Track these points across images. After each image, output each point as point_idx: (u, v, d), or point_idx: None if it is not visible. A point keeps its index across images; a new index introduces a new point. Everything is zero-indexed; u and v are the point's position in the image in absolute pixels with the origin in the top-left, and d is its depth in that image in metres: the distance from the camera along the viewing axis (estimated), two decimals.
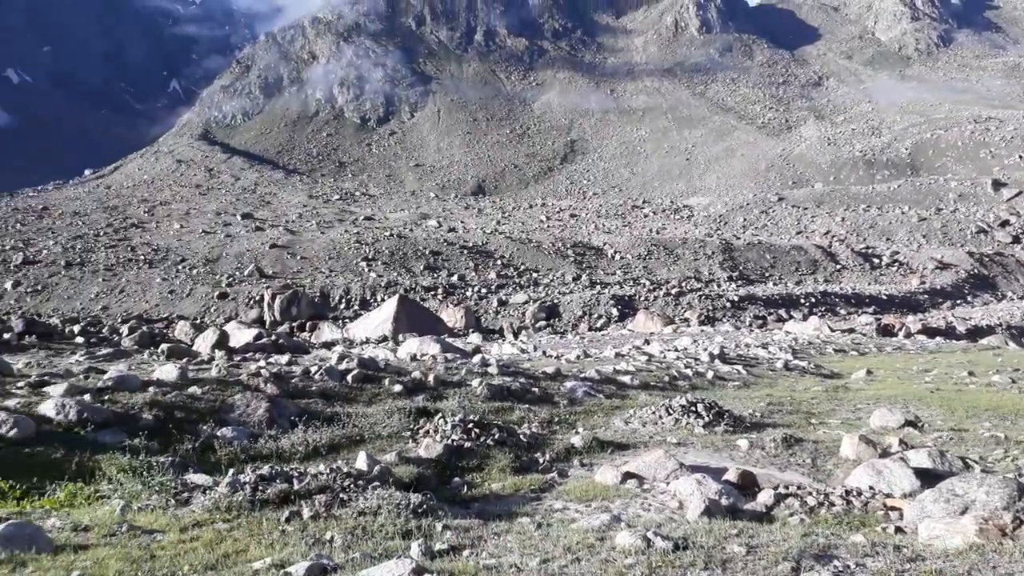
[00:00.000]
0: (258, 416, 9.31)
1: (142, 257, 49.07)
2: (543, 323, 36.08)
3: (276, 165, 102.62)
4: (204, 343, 17.64)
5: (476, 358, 15.53)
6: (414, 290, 42.64)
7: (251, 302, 40.13)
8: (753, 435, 9.86)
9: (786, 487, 7.21)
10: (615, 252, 52.09)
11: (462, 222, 66.95)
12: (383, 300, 41.18)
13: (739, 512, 6.42)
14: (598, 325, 34.84)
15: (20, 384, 9.74)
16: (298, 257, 49.18)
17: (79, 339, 20.20)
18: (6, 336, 18.42)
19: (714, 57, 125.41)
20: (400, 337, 24.01)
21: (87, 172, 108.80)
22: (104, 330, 24.76)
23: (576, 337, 28.11)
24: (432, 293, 42.97)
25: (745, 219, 69.28)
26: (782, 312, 38.43)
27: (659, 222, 68.28)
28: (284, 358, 14.73)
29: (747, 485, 7.36)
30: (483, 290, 43.39)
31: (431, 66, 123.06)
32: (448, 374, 13.12)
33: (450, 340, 20.66)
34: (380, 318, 26.92)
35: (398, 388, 11.56)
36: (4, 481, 6.69)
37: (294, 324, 32.19)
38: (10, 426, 7.73)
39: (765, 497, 6.94)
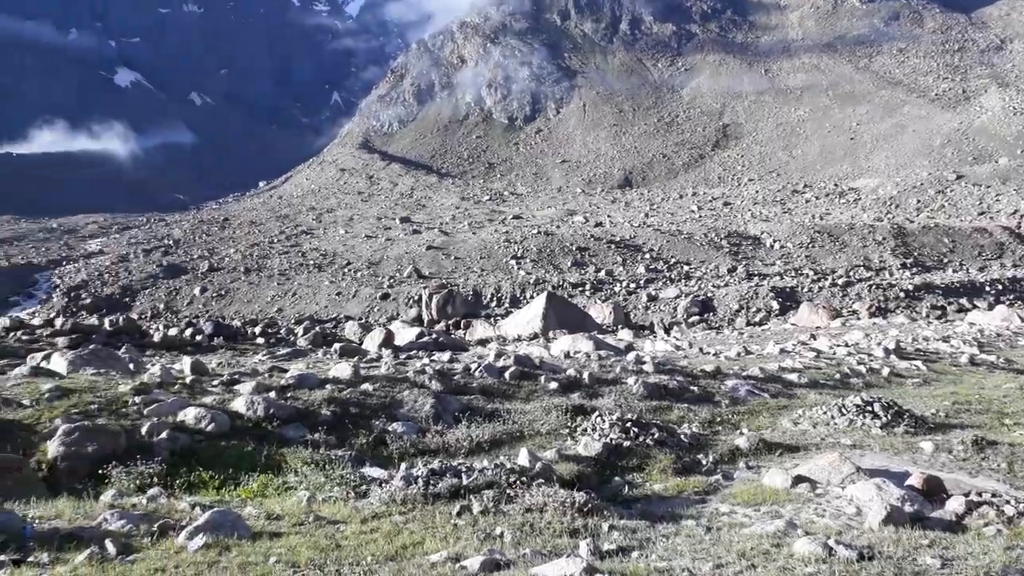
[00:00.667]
0: (425, 411, 9.70)
1: (312, 262, 52.55)
2: (696, 318, 35.12)
3: (430, 169, 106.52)
4: (372, 342, 18.64)
5: (630, 355, 15.40)
6: (562, 287, 42.87)
7: (410, 302, 41.96)
8: (938, 437, 9.14)
9: (979, 494, 6.64)
10: (774, 241, 49.80)
11: (609, 216, 66.47)
12: (532, 297, 41.72)
13: (925, 520, 6.00)
14: (756, 319, 33.45)
15: (215, 383, 10.65)
16: (452, 258, 50.82)
17: (260, 340, 22.00)
18: (198, 338, 20.39)
19: (879, 27, 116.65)
20: (551, 334, 24.26)
21: (261, 184, 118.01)
22: (281, 331, 26.77)
23: (734, 333, 27.16)
24: (580, 289, 43.01)
25: (919, 201, 64.06)
26: (964, 301, 35.21)
27: (822, 207, 64.53)
28: (445, 355, 15.37)
29: (933, 491, 6.84)
30: (632, 285, 42.88)
31: (576, 60, 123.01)
32: (603, 372, 13.10)
33: (602, 337, 20.62)
34: (529, 315, 27.29)
35: (554, 385, 11.71)
36: (204, 472, 7.31)
37: (450, 322, 33.29)
38: (208, 421, 8.46)
39: (955, 505, 6.42)
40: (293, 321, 35.57)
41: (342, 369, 11.50)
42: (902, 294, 36.28)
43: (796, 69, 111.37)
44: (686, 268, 45.88)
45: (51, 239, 70.81)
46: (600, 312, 31.50)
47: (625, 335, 25.33)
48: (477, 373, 12.07)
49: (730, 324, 33.89)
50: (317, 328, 26.05)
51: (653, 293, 40.23)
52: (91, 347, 13.73)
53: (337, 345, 17.68)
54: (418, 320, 34.16)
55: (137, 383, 9.63)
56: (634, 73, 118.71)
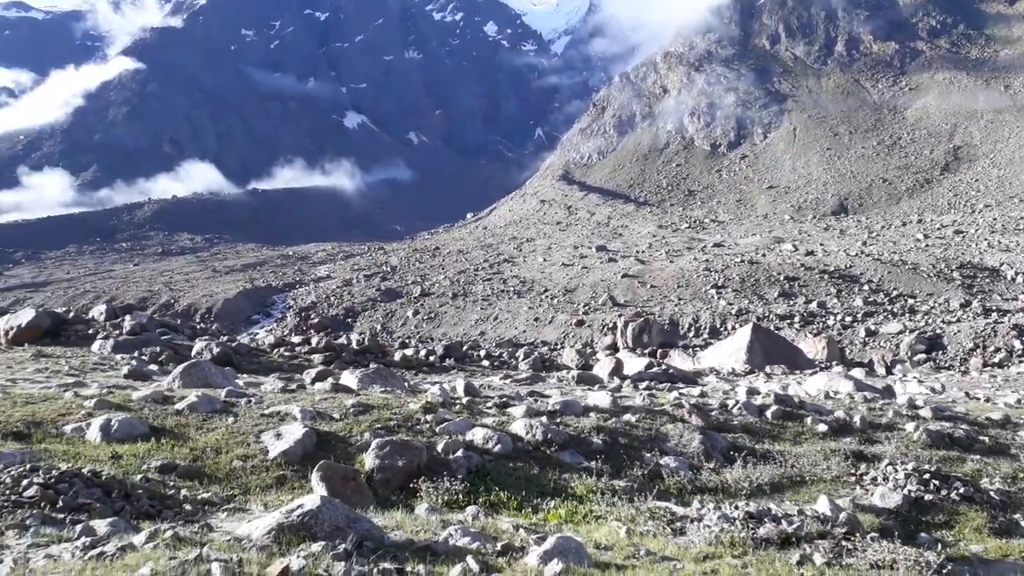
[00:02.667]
0: (693, 447, 9.61)
1: (512, 289, 54.31)
2: (922, 356, 31.89)
3: (627, 198, 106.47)
4: (602, 370, 18.76)
5: (901, 399, 14.41)
6: (767, 318, 40.81)
7: (604, 329, 41.98)
8: None
9: None
10: (1016, 274, 44.19)
11: (821, 244, 62.41)
12: (733, 329, 40.11)
13: None
14: (995, 360, 29.74)
15: (489, 404, 11.10)
16: (648, 286, 50.22)
17: (484, 362, 23.36)
18: (431, 358, 22.02)
19: None
20: (768, 368, 23.16)
21: (468, 215, 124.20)
22: (503, 355, 27.94)
23: (982, 375, 24.15)
24: (787, 321, 40.70)
25: None
26: None
27: None
28: (695, 390, 15.35)
29: None
30: (847, 318, 39.86)
31: (786, 84, 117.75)
32: (873, 415, 12.32)
33: (860, 376, 19.22)
34: (732, 347, 26.19)
35: (822, 428, 11.16)
36: (503, 492, 7.49)
37: (645, 351, 32.83)
38: (495, 442, 8.79)
39: None
40: (494, 344, 36.89)
41: (600, 398, 11.77)
42: None
43: None
44: (910, 301, 41.88)
45: (287, 265, 79.06)
46: (812, 347, 29.55)
47: (857, 374, 23.35)
48: (735, 410, 11.81)
49: (962, 364, 30.44)
50: (536, 353, 27.00)
51: (872, 328, 37.11)
52: (373, 367, 15.09)
53: (575, 372, 18.04)
54: (612, 348, 34.04)
55: (423, 402, 10.26)
56: (851, 95, 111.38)
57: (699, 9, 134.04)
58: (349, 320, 52.50)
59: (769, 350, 25.12)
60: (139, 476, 6.52)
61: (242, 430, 8.28)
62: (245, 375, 16.39)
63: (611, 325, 41.19)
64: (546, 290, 52.57)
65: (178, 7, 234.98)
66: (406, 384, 13.26)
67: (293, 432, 7.95)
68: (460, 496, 7.18)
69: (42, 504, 5.58)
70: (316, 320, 52.03)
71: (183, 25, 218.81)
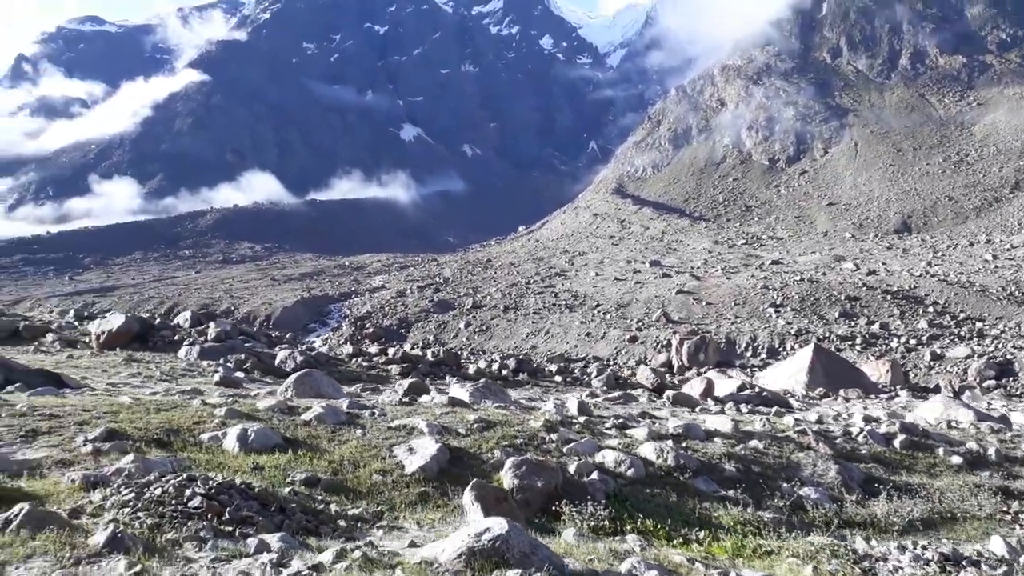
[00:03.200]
0: (830, 478, 9.37)
1: (564, 302, 54.16)
2: (991, 382, 30.68)
3: (682, 213, 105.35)
4: (693, 390, 18.45)
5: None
6: (827, 339, 39.80)
7: (658, 346, 41.49)
8: None
9: None
10: None
11: (884, 264, 60.69)
12: (792, 349, 39.22)
13: None
14: None
15: (607, 425, 10.93)
16: (703, 303, 49.49)
17: (557, 377, 23.50)
18: (503, 372, 22.25)
19: None
20: (842, 392, 22.60)
21: (520, 228, 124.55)
22: (575, 370, 27.87)
23: None
24: (849, 343, 39.61)
25: None
26: None
27: None
28: (810, 415, 15.05)
29: None
30: (912, 341, 38.60)
31: (848, 98, 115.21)
32: (1006, 447, 11.91)
33: (976, 405, 18.41)
34: (793, 368, 25.60)
35: (956, 460, 10.78)
36: (648, 520, 7.19)
37: (701, 370, 32.33)
38: (628, 466, 8.56)
39: None
40: (546, 359, 36.78)
41: (720, 422, 11.57)
42: None
43: None
44: (979, 325, 40.35)
45: (343, 274, 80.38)
46: (875, 370, 28.70)
47: (942, 399, 22.30)
48: (860, 438, 11.45)
49: None
50: (608, 370, 26.80)
51: (938, 351, 35.86)
52: (482, 381, 15.14)
53: (670, 393, 17.74)
54: (667, 366, 33.62)
55: (543, 420, 10.15)
56: (915, 110, 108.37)
57: (758, 22, 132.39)
58: (402, 330, 53.03)
59: (831, 372, 24.46)
60: (287, 489, 6.55)
61: (373, 443, 8.30)
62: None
63: (665, 342, 40.69)
64: (598, 305, 52.26)
65: (243, 21, 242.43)
66: (511, 397, 13.11)
67: (426, 447, 7.95)
68: (606, 522, 6.93)
69: (208, 516, 5.60)
70: (371, 330, 52.70)
71: (247, 38, 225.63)
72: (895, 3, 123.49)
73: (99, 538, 4.91)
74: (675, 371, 30.16)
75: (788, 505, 8.26)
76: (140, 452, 7.18)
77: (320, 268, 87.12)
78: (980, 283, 47.14)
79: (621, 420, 11.30)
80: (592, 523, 6.86)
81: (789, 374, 25.38)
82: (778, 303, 47.13)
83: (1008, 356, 33.35)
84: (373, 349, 25.02)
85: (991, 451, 11.09)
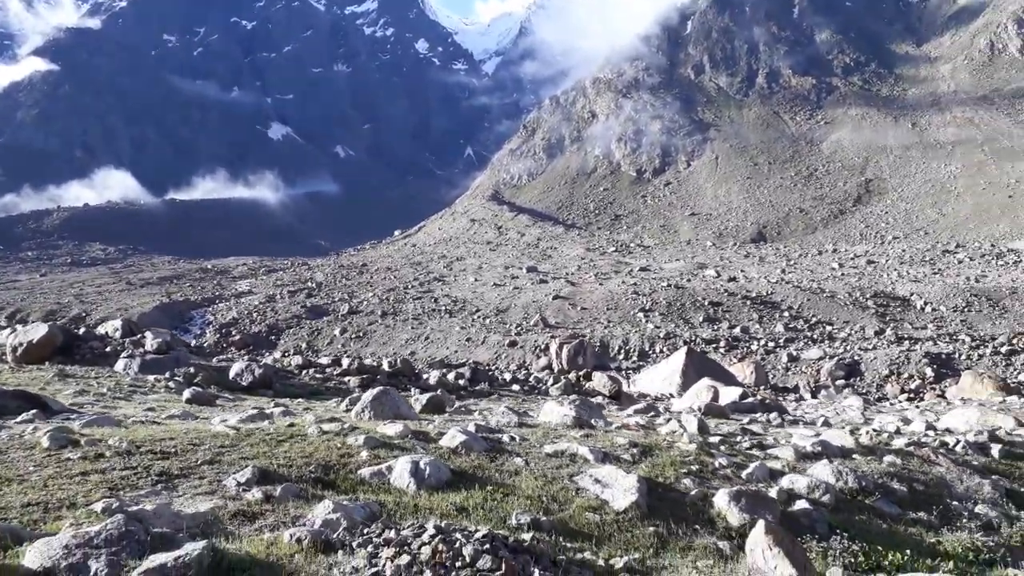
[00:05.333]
0: (986, 494, 9.17)
1: (443, 308, 53.91)
2: (841, 382, 33.18)
3: (556, 221, 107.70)
4: (697, 399, 17.82)
5: None
6: (693, 342, 41.72)
7: (537, 350, 42.08)
8: None
9: None
10: (925, 303, 46.62)
11: (743, 271, 64.48)
12: (662, 352, 40.87)
13: None
14: (911, 387, 31.18)
15: (745, 446, 10.32)
16: (578, 308, 50.71)
17: (514, 387, 23.16)
18: (461, 382, 21.71)
19: None
20: (842, 398, 23.45)
21: (397, 232, 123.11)
22: (530, 378, 27.45)
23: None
24: (713, 346, 41.70)
25: None
26: None
27: (977, 269, 59.95)
28: (889, 423, 14.62)
29: None
30: (770, 343, 41.15)
31: (709, 113, 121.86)
32: None
33: (1006, 409, 18.42)
34: (667, 371, 26.60)
35: None
36: (895, 552, 6.61)
37: (580, 374, 33.03)
38: (822, 491, 7.99)
39: None
40: (427, 364, 36.43)
41: (839, 436, 11.01)
42: None
43: (947, 123, 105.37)
44: (829, 328, 43.59)
45: (205, 279, 76.41)
46: (741, 371, 30.33)
47: (856, 402, 23.31)
48: (959, 448, 11.24)
49: (878, 390, 31.79)
50: (564, 379, 26.18)
51: (794, 353, 38.41)
52: (574, 397, 13.62)
53: (699, 403, 16.86)
54: (548, 369, 34.13)
55: (697, 442, 9.56)
56: (770, 126, 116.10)
57: (628, 37, 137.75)
58: (272, 337, 51.01)
59: (703, 373, 25.58)
60: (527, 535, 5.72)
61: (548, 475, 7.58)
62: (290, 399, 15.77)
63: (543, 346, 41.31)
64: (478, 310, 52.40)
65: (96, 8, 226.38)
66: (588, 413, 12.10)
67: (615, 479, 7.28)
68: (861, 557, 6.40)
69: None
70: (238, 337, 50.36)
71: (101, 27, 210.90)
72: (753, 25, 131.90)
73: None
74: (555, 374, 30.64)
75: (980, 526, 8.00)
76: (311, 497, 6.29)
77: (180, 272, 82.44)
78: (829, 289, 50.94)
79: (758, 439, 10.77)
80: (848, 559, 6.37)
81: (664, 376, 26.34)
82: (647, 308, 48.98)
83: (855, 357, 36.18)
84: (324, 360, 23.92)
85: None
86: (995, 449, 11.16)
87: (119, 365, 18.17)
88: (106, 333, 22.54)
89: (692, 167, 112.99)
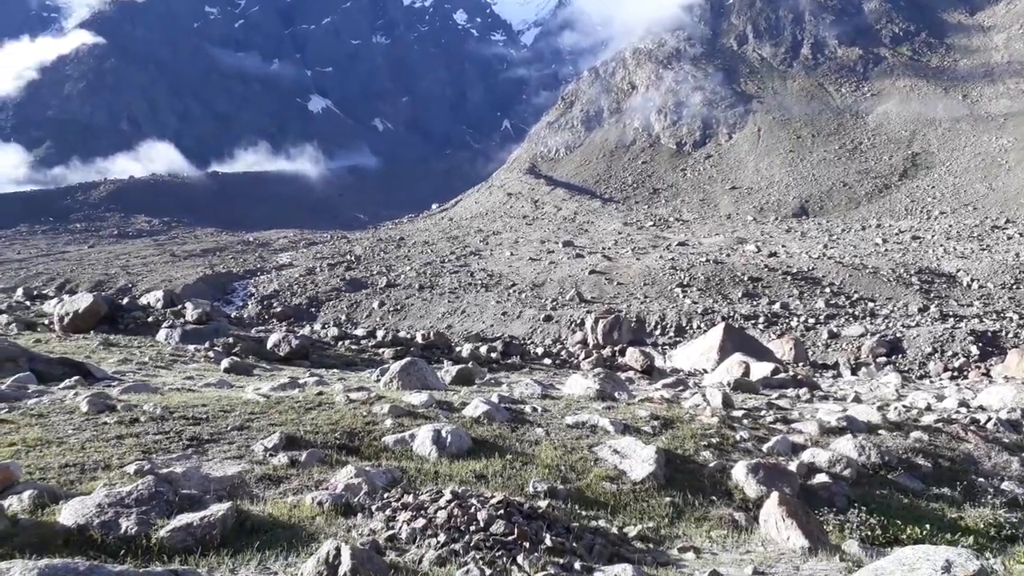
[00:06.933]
0: (1015, 470, 9.21)
1: (479, 282, 54.07)
2: (883, 359, 32.56)
3: (594, 194, 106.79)
4: (729, 374, 17.62)
5: None
6: (732, 318, 41.25)
7: (572, 325, 42.02)
8: None
9: None
10: (972, 280, 45.39)
11: (783, 246, 63.40)
12: (699, 327, 40.49)
13: None
14: (955, 365, 30.48)
15: (769, 420, 10.24)
16: (614, 283, 50.42)
17: (546, 360, 23.40)
18: (493, 355, 22.03)
19: None
20: (870, 374, 23.24)
21: (434, 206, 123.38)
22: (563, 353, 27.75)
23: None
24: (752, 322, 41.19)
25: None
26: None
27: None
28: (920, 400, 14.50)
29: None
30: (810, 320, 40.51)
31: (752, 85, 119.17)
32: None
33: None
34: (704, 346, 26.38)
35: None
36: (913, 527, 6.59)
37: (615, 349, 32.93)
38: (844, 465, 8.05)
39: None
40: (463, 338, 36.64)
41: (867, 412, 11.01)
42: None
43: (999, 95, 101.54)
44: (871, 305, 42.73)
45: (247, 251, 77.62)
46: (780, 347, 29.93)
47: (1007, 387, 22.42)
48: (989, 426, 11.20)
49: (921, 368, 31.15)
50: (596, 354, 26.39)
51: (835, 330, 37.77)
52: (599, 370, 13.78)
53: (724, 377, 17.01)
54: (583, 343, 34.09)
55: (717, 416, 9.60)
56: (814, 98, 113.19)
57: (670, 6, 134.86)
58: (312, 309, 51.75)
59: (740, 350, 25.30)
60: (544, 503, 5.88)
61: (569, 445, 7.70)
62: (325, 369, 16.09)
63: (579, 321, 41.23)
64: (513, 284, 52.44)
65: None
66: (619, 390, 12.15)
67: (634, 450, 7.37)
68: (879, 531, 6.47)
69: (527, 546, 4.93)
70: (279, 309, 51.18)
71: (145, 0, 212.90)
72: None
73: None
74: (590, 348, 30.61)
75: (1005, 503, 7.97)
76: (336, 462, 6.47)
77: (223, 244, 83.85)
78: (872, 265, 49.86)
79: (784, 413, 10.78)
80: (865, 532, 6.45)
81: (700, 352, 26.14)
82: (685, 283, 48.51)
83: (898, 335, 35.44)
84: (360, 332, 24.44)
85: None
86: None
87: (161, 335, 18.64)
88: (148, 304, 23.09)
89: (733, 140, 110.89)
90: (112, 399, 8.28)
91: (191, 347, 17.31)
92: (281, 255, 73.90)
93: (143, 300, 24.05)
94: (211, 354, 16.19)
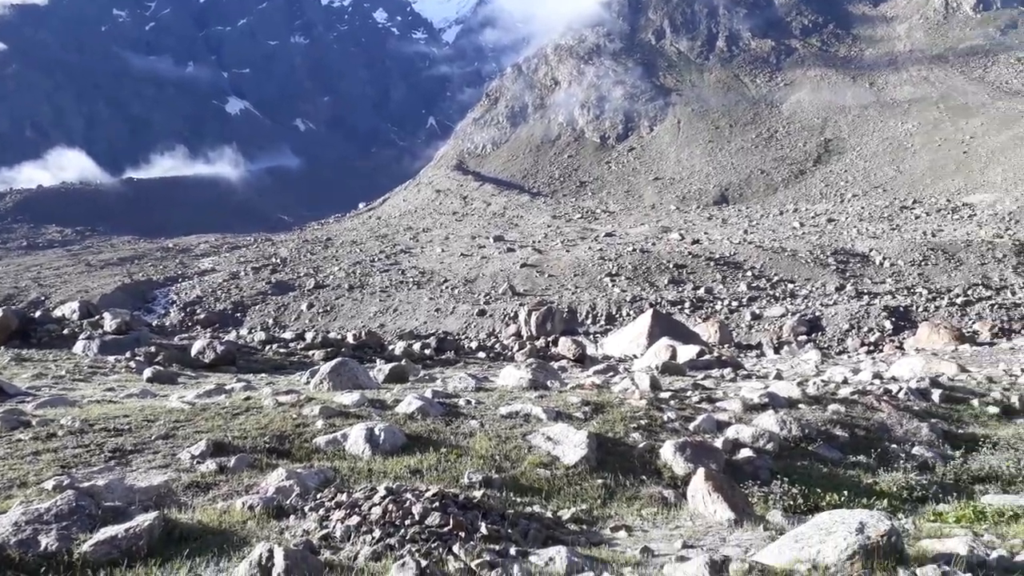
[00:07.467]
0: (924, 435, 9.53)
1: (411, 279, 53.71)
2: (804, 338, 33.84)
3: (522, 189, 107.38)
4: (656, 358, 18.08)
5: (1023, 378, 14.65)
6: (659, 304, 42.18)
7: (506, 318, 42.22)
8: None
9: None
10: (883, 259, 47.58)
11: (706, 233, 65.11)
12: (628, 315, 41.26)
13: None
14: (871, 340, 31.91)
15: (695, 400, 10.55)
16: (546, 275, 50.87)
17: (480, 354, 23.23)
18: (427, 352, 21.72)
19: (995, 36, 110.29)
20: (790, 352, 23.79)
21: (361, 205, 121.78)
22: (497, 346, 27.63)
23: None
24: (678, 307, 42.22)
25: None
26: None
27: (934, 224, 61.25)
28: (837, 374, 14.85)
29: None
30: (734, 303, 41.77)
31: (671, 78, 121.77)
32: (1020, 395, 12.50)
33: (947, 358, 19.03)
34: (633, 332, 26.90)
35: (993, 410, 11.25)
36: (829, 494, 6.78)
37: (548, 340, 33.23)
38: (766, 440, 8.37)
39: None
40: (396, 336, 36.37)
41: (787, 388, 11.38)
42: None
43: (903, 82, 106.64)
44: (790, 286, 44.33)
45: (167, 258, 75.07)
46: (705, 331, 30.78)
47: (814, 356, 23.73)
48: (901, 395, 11.63)
49: (839, 344, 32.50)
50: (529, 344, 26.55)
51: (757, 312, 39.05)
52: (532, 360, 13.85)
53: (652, 361, 17.22)
54: (517, 336, 34.30)
55: (647, 399, 9.73)
56: (731, 89, 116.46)
57: (589, 3, 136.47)
58: (238, 315, 50.45)
59: (668, 334, 25.92)
60: (479, 493, 5.92)
61: (503, 435, 7.75)
62: (253, 374, 15.65)
63: (512, 314, 41.45)
64: (446, 280, 52.31)
65: None
66: (551, 378, 12.21)
67: (567, 436, 7.47)
68: (800, 500, 6.69)
69: (457, 534, 4.95)
70: (203, 315, 49.70)
71: (47, 3, 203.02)
72: None
73: None
74: (524, 341, 30.83)
75: (916, 466, 8.32)
76: (266, 466, 6.28)
77: (141, 251, 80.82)
78: (790, 248, 51.70)
79: (708, 393, 11.10)
80: (788, 502, 6.67)
81: (630, 338, 26.64)
82: (614, 273, 49.32)
83: (816, 313, 36.90)
84: (288, 335, 23.81)
85: (1014, 399, 11.64)
86: (936, 394, 11.66)
87: (78, 347, 17.92)
88: (63, 315, 22.15)
89: (655, 132, 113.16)
90: (26, 415, 7.94)
91: (111, 358, 16.70)
92: (203, 260, 71.75)
93: (57, 312, 23.01)
94: (132, 364, 15.66)
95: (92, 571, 4.33)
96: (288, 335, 23.73)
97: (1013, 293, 39.40)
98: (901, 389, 11.84)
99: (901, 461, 8.41)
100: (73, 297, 55.17)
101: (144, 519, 4.66)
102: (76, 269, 69.37)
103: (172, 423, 7.60)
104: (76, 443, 6.76)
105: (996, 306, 35.66)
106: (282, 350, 20.38)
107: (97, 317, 21.49)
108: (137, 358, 16.56)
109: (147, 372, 13.85)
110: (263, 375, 15.95)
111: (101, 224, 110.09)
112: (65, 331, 19.77)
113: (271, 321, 47.83)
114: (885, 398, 10.93)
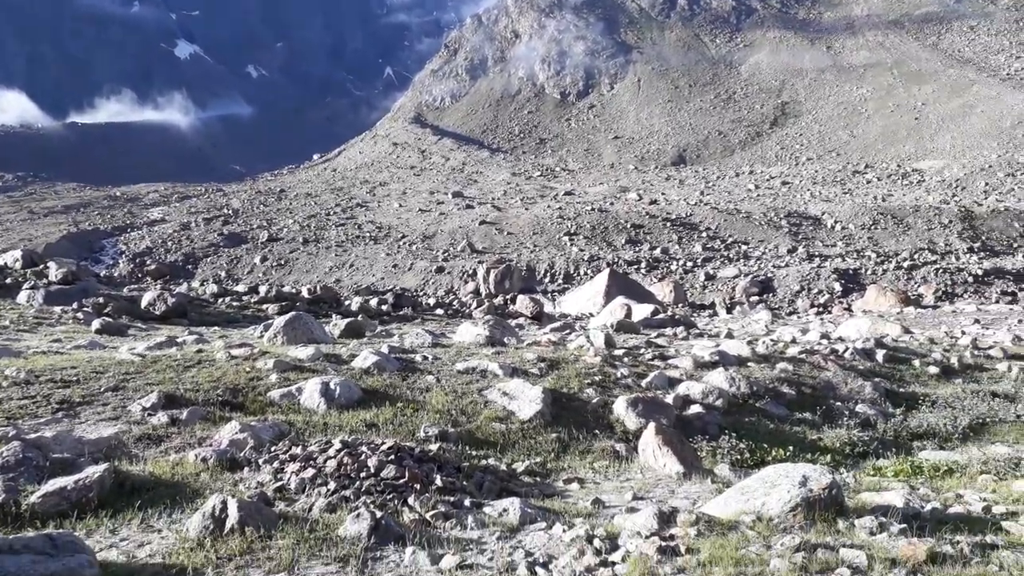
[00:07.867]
0: (867, 394, 9.77)
1: (368, 234, 53.12)
2: (755, 299, 34.53)
3: (481, 144, 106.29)
4: (612, 316, 18.15)
5: (963, 340, 15.13)
6: (616, 264, 42.54)
7: (464, 276, 42.15)
8: None
9: None
10: (835, 222, 48.57)
11: (663, 194, 65.54)
12: (586, 274, 41.55)
13: None
14: (821, 302, 32.72)
15: (649, 357, 10.71)
16: (505, 233, 50.78)
17: (438, 311, 23.04)
18: (384, 307, 21.44)
19: (948, 4, 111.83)
20: (745, 311, 24.06)
21: (315, 156, 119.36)
22: (455, 303, 27.64)
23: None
24: (635, 267, 42.63)
25: (988, 183, 61.62)
26: None
27: (884, 188, 62.58)
28: (786, 334, 15.17)
29: None
30: (689, 263, 42.33)
31: (632, 35, 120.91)
32: (959, 356, 12.91)
33: (892, 320, 19.44)
34: (591, 291, 27.13)
35: (933, 370, 11.62)
36: (773, 449, 6.97)
37: (506, 297, 33.33)
38: (715, 396, 8.54)
39: None
40: (352, 292, 36.05)
41: (737, 347, 11.52)
42: (970, 279, 35.08)
43: (859, 47, 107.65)
44: (744, 247, 45.05)
45: (115, 207, 72.82)
46: (660, 290, 31.17)
47: (764, 316, 24.40)
48: (847, 355, 11.88)
49: (790, 305, 33.25)
50: (497, 299, 26.54)
51: (711, 272, 39.65)
52: (489, 318, 13.84)
53: (613, 320, 17.22)
54: (475, 293, 34.30)
55: (600, 356, 9.86)
56: (691, 49, 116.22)
57: None
58: (189, 267, 49.44)
59: (624, 293, 26.18)
60: (435, 446, 5.91)
61: (458, 390, 7.80)
62: (205, 327, 15.34)
63: (471, 271, 41.38)
64: (404, 236, 51.85)
65: None
66: (511, 335, 12.27)
67: (523, 391, 7.49)
68: (747, 455, 6.87)
69: (418, 488, 4.96)
70: (153, 266, 48.54)
71: None
72: None
73: (357, 528, 4.18)
74: (483, 297, 30.86)
75: (859, 423, 8.58)
76: (219, 419, 6.19)
77: (87, 199, 78.19)
78: (745, 210, 52.39)
79: (660, 351, 11.30)
80: (735, 456, 6.86)
81: (587, 297, 26.87)
82: (572, 232, 49.46)
83: (769, 275, 37.62)
84: (241, 288, 23.34)
85: (954, 360, 12.11)
86: (880, 354, 12.06)
87: (21, 297, 17.39)
88: (5, 264, 21.42)
89: (615, 90, 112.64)
90: None
91: (57, 309, 16.24)
92: (152, 210, 69.82)
93: (0, 261, 22.24)
94: (80, 315, 15.26)
95: (41, 522, 4.27)
96: (241, 288, 23.35)
97: (957, 258, 40.68)
98: (847, 349, 12.21)
99: (845, 418, 8.70)
100: (15, 245, 53.29)
101: (94, 471, 4.59)
102: (19, 216, 66.92)
103: (122, 375, 7.45)
104: (22, 394, 6.59)
105: (941, 270, 36.77)
106: (235, 303, 20.07)
107: (42, 267, 20.82)
108: (85, 309, 16.14)
109: (95, 323, 13.51)
110: (215, 328, 15.72)
111: (45, 170, 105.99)
112: (8, 280, 19.12)
113: (223, 274, 46.97)
114: (831, 357, 11.28)
